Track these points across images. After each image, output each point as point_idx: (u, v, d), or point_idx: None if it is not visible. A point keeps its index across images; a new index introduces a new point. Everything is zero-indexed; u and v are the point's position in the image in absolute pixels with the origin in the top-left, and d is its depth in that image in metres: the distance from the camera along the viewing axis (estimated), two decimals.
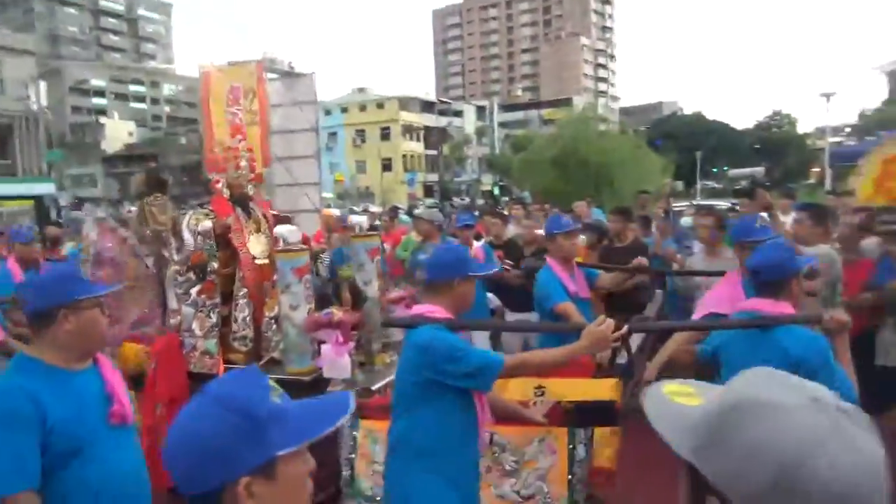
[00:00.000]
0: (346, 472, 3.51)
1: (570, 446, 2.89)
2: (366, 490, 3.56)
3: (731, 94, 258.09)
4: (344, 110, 63.65)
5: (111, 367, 2.23)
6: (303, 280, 3.95)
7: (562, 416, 2.95)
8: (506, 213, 8.48)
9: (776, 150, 50.12)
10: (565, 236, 4.13)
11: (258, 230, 4.54)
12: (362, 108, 63.74)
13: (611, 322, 2.31)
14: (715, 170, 57.73)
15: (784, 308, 2.54)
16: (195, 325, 4.16)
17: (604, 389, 3.01)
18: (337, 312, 3.85)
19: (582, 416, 2.94)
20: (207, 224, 4.24)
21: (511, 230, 7.72)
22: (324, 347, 3.74)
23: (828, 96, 18.69)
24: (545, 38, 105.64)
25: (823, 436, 0.74)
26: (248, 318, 4.32)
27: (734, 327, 2.66)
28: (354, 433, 3.49)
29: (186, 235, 4.23)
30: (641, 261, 4.52)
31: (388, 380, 3.91)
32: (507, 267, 5.47)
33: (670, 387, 0.92)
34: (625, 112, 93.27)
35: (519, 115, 78.33)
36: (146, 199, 5.02)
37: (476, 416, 2.41)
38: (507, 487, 2.95)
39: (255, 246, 4.46)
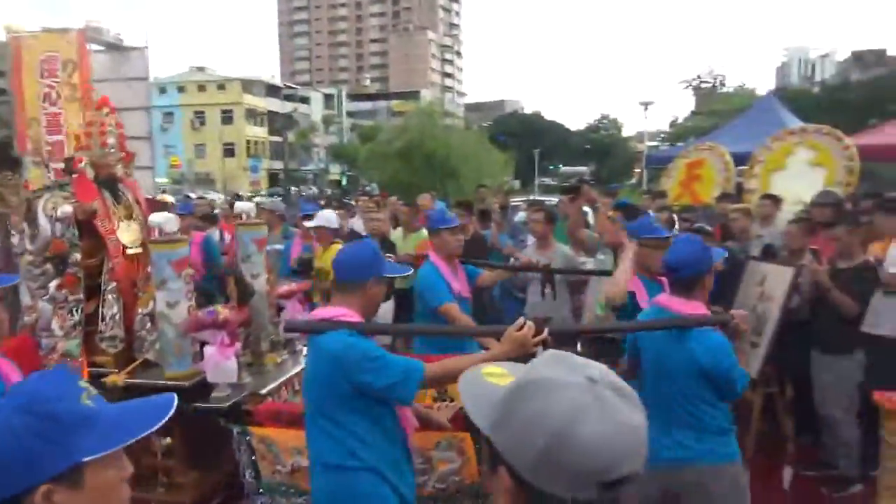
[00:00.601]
0: (249, 475, 3.39)
1: (478, 446, 2.84)
2: (276, 486, 3.43)
3: (566, 96, 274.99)
4: (181, 90, 59.62)
5: None
6: (182, 274, 3.58)
7: (464, 420, 2.83)
8: (352, 203, 8.51)
9: (604, 151, 54.28)
10: (451, 232, 3.91)
11: (129, 216, 4.12)
12: (201, 88, 60.08)
13: (531, 325, 2.22)
14: (551, 167, 61.32)
15: (696, 307, 2.59)
16: (54, 324, 3.71)
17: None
18: (222, 310, 3.51)
19: None
20: (68, 209, 3.77)
21: (355, 222, 7.78)
22: (207, 349, 3.41)
23: (646, 105, 20.64)
24: (394, 28, 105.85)
25: (587, 408, 0.82)
26: (117, 316, 3.91)
27: (653, 329, 2.66)
28: (248, 439, 3.33)
29: (42, 221, 3.73)
30: (528, 259, 4.56)
31: (279, 381, 3.74)
32: None
33: (488, 368, 0.99)
34: (470, 108, 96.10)
35: (367, 105, 77.98)
36: None
37: (398, 425, 2.31)
38: (421, 481, 2.88)
39: (126, 234, 4.05)
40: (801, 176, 7.98)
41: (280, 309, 4.19)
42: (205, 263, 5.36)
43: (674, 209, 7.90)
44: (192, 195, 17.25)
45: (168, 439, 3.42)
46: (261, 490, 3.44)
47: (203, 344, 3.49)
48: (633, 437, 0.84)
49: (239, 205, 4.50)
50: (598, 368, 0.88)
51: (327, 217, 5.32)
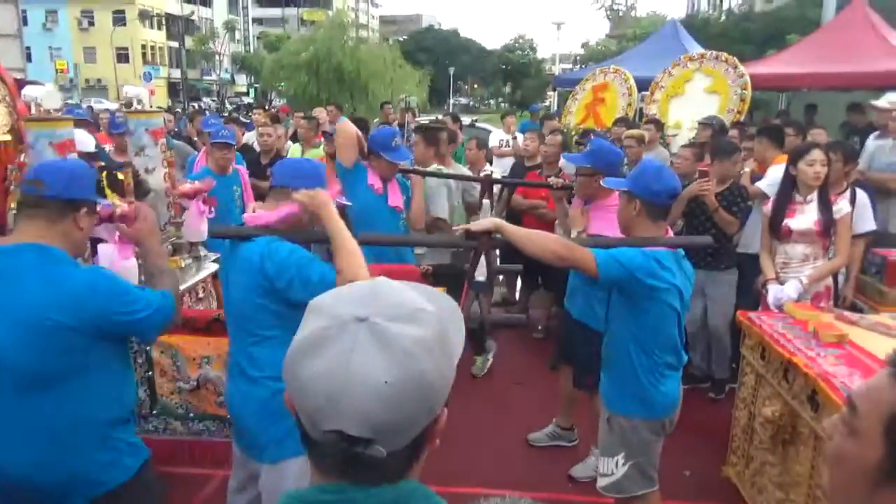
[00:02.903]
0: (142, 393, 3.22)
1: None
2: (174, 408, 3.29)
3: (483, 14, 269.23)
4: None
5: None
6: (67, 159, 3.07)
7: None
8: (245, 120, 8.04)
9: (519, 72, 53.94)
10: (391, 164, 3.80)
11: None
12: None
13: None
14: (466, 87, 60.58)
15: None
16: None
17: None
18: (119, 203, 3.14)
19: None
20: None
21: (250, 136, 7.39)
22: (101, 247, 3.05)
23: (558, 25, 20.54)
24: None
25: (323, 343, 0.76)
26: None
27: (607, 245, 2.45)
28: (147, 349, 3.16)
29: None
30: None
31: (182, 288, 3.41)
32: None
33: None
34: (385, 21, 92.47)
35: (276, 11, 73.32)
36: None
37: None
38: None
39: None
40: (697, 102, 8.20)
41: (182, 209, 3.85)
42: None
43: (573, 132, 7.98)
44: (83, 105, 15.86)
45: None
46: (154, 411, 3.31)
47: (96, 242, 3.10)
48: (346, 378, 0.74)
49: (128, 89, 3.99)
50: (383, 306, 0.79)
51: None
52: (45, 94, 3.20)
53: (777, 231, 3.80)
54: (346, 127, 3.92)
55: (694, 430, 3.38)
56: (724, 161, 4.35)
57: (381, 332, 0.76)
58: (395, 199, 3.86)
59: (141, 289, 1.99)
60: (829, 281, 3.82)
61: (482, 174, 4.77)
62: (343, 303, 0.80)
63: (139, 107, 3.79)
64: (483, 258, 2.39)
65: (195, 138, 7.49)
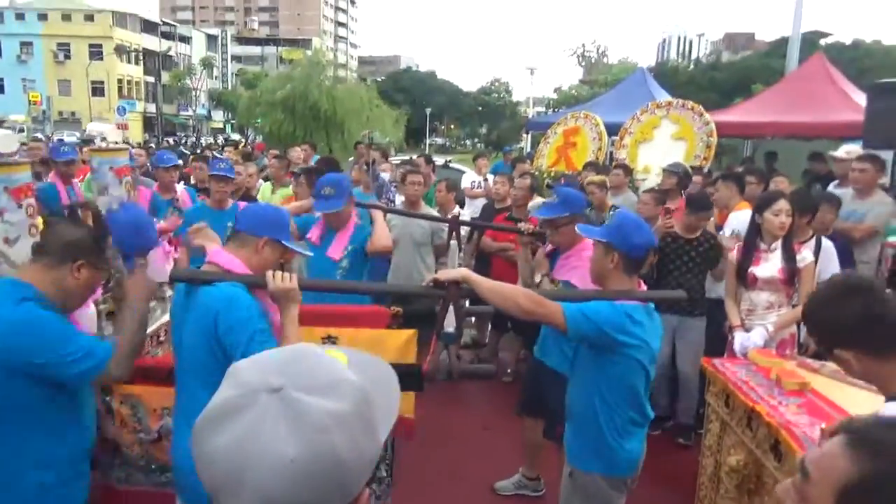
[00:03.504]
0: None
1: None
2: (137, 459, 3.13)
3: (460, 57, 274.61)
4: (42, 17, 53.85)
5: None
6: (23, 204, 3.02)
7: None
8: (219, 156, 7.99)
9: (495, 113, 54.90)
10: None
11: None
12: (66, 17, 54.55)
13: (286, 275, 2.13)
14: (443, 127, 61.34)
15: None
16: None
17: (400, 340, 2.85)
18: None
19: None
20: None
21: None
22: None
23: (532, 70, 21.01)
24: None
25: (231, 414, 0.71)
26: None
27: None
28: (107, 399, 3.00)
29: None
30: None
31: (147, 330, 3.40)
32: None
33: (329, 351, 0.84)
34: (364, 61, 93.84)
35: (255, 49, 74.16)
36: None
37: None
38: None
39: None
40: (664, 148, 8.38)
41: None
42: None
43: (544, 175, 8.08)
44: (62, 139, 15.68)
45: None
46: (118, 462, 3.18)
47: None
48: (252, 463, 0.68)
49: (92, 126, 3.88)
50: (301, 375, 0.73)
51: None
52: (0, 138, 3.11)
53: (743, 278, 3.85)
54: (304, 204, 4.00)
55: (660, 479, 3.34)
56: (698, 214, 4.41)
57: (292, 404, 0.70)
58: (335, 250, 3.75)
59: (81, 335, 1.95)
60: (794, 328, 3.86)
61: (450, 216, 4.77)
62: (260, 370, 0.74)
63: (103, 144, 3.73)
64: (451, 308, 2.35)
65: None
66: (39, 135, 17.09)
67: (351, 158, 10.49)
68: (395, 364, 2.68)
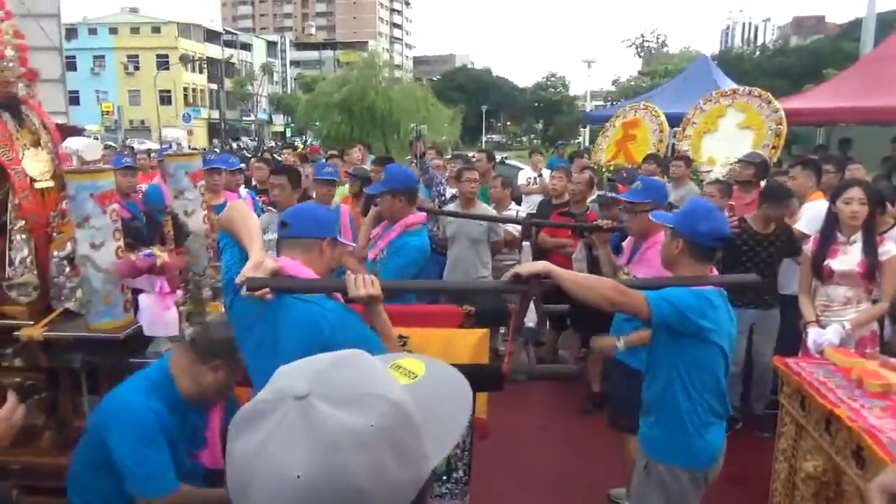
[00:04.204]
0: None
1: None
2: None
3: (516, 53, 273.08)
4: (113, 31, 56.43)
5: None
6: (107, 210, 3.06)
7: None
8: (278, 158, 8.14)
9: (551, 109, 54.24)
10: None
11: (36, 143, 3.51)
12: (135, 30, 57.00)
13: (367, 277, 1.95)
14: (499, 124, 61.07)
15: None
16: None
17: (472, 340, 2.79)
18: (160, 253, 3.08)
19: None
20: None
21: None
22: (142, 298, 2.99)
23: (589, 63, 20.58)
24: None
25: (254, 419, 0.67)
26: (28, 260, 3.32)
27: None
28: None
29: None
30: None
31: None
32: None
33: (406, 360, 0.79)
34: (419, 61, 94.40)
35: (313, 54, 75.69)
36: None
37: None
38: None
39: (33, 164, 3.43)
40: (730, 138, 8.06)
41: (220, 252, 3.82)
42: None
43: (603, 169, 7.89)
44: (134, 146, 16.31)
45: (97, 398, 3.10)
46: None
47: (137, 292, 3.07)
48: (259, 475, 0.63)
49: (168, 132, 4.00)
50: (332, 384, 0.66)
51: None
52: (85, 146, 3.15)
53: (819, 272, 3.63)
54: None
55: (732, 481, 3.18)
56: (775, 206, 4.19)
57: (310, 414, 0.64)
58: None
59: (164, 456, 2.13)
60: (875, 326, 3.62)
61: (505, 213, 4.70)
62: (297, 374, 0.69)
63: (177, 149, 3.79)
64: (532, 303, 2.24)
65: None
66: (111, 143, 17.87)
67: (407, 157, 10.54)
68: (474, 365, 2.52)
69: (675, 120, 9.23)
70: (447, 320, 2.86)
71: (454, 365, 0.82)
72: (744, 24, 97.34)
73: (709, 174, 7.49)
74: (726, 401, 2.43)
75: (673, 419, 2.36)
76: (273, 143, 40.93)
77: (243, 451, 0.65)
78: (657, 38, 50.77)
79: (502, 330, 3.21)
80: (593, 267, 4.49)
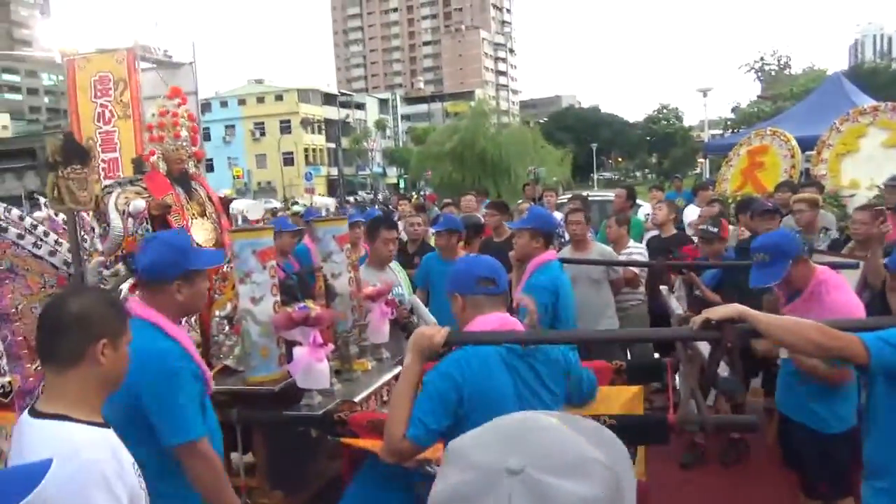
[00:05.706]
0: None
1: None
2: None
3: (623, 88, 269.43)
4: (241, 102, 61.53)
5: None
6: (267, 266, 3.18)
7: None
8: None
9: (665, 141, 52.72)
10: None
11: (202, 213, 3.78)
12: (260, 100, 61.86)
13: (437, 329, 2.06)
14: (610, 161, 60.04)
15: None
16: None
17: (625, 397, 2.72)
18: (313, 307, 3.16)
19: (626, 434, 2.56)
20: (140, 203, 3.43)
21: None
22: (297, 350, 3.07)
23: (704, 91, 19.77)
24: (446, 30, 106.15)
25: (470, 501, 0.64)
26: (193, 319, 3.50)
27: None
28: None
29: (113, 217, 3.39)
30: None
31: (370, 390, 3.42)
32: None
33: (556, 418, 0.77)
34: (525, 105, 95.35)
35: (423, 107, 78.43)
36: (61, 170, 3.90)
37: None
38: None
39: (199, 232, 3.69)
40: (876, 159, 7.38)
41: (366, 311, 3.90)
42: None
43: (730, 200, 7.44)
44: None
45: (249, 455, 3.15)
46: None
47: (291, 345, 3.15)
48: None
49: (318, 200, 4.27)
50: (538, 454, 0.64)
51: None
52: (249, 207, 3.38)
53: None
54: None
55: None
56: None
57: (537, 487, 0.61)
58: None
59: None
60: None
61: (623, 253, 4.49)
62: (488, 449, 0.66)
63: (326, 214, 3.95)
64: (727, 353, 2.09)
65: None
66: (273, 202, 19.22)
67: (520, 200, 10.49)
68: (635, 416, 2.38)
69: (806, 143, 8.60)
70: (597, 377, 2.69)
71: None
72: (874, 37, 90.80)
73: (852, 199, 6.87)
74: None
75: None
76: (387, 194, 42.47)
77: None
78: (778, 60, 48.17)
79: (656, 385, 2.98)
80: (690, 306, 4.14)
